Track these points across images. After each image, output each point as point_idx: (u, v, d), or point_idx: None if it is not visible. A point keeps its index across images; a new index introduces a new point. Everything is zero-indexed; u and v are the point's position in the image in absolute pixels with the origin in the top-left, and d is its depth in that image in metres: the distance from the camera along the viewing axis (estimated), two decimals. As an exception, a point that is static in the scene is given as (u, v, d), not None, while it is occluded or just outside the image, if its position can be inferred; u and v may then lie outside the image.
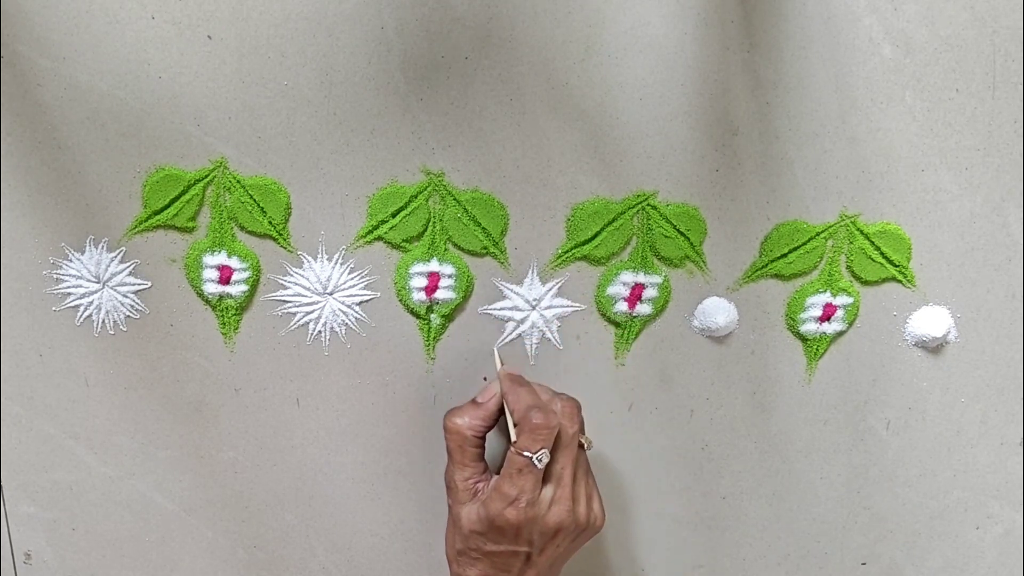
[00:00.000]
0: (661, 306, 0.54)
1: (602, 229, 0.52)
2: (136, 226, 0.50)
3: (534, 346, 0.54)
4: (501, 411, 0.51)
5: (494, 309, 0.53)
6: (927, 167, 0.52)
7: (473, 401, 0.51)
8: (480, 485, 0.50)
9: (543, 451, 0.47)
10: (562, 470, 0.49)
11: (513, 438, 0.48)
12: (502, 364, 0.53)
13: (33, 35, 0.46)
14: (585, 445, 0.51)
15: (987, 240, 0.54)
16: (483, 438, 0.51)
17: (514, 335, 0.54)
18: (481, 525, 0.48)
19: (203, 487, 0.56)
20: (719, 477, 0.58)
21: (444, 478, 0.52)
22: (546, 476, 0.48)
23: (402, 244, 0.51)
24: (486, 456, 0.52)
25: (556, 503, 0.48)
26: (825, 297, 0.54)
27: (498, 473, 0.49)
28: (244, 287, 0.51)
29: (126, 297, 0.51)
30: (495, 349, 0.54)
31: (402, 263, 0.52)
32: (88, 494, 0.56)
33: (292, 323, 0.53)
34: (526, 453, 0.47)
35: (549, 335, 0.54)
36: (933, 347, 0.56)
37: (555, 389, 0.55)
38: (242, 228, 0.50)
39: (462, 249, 0.52)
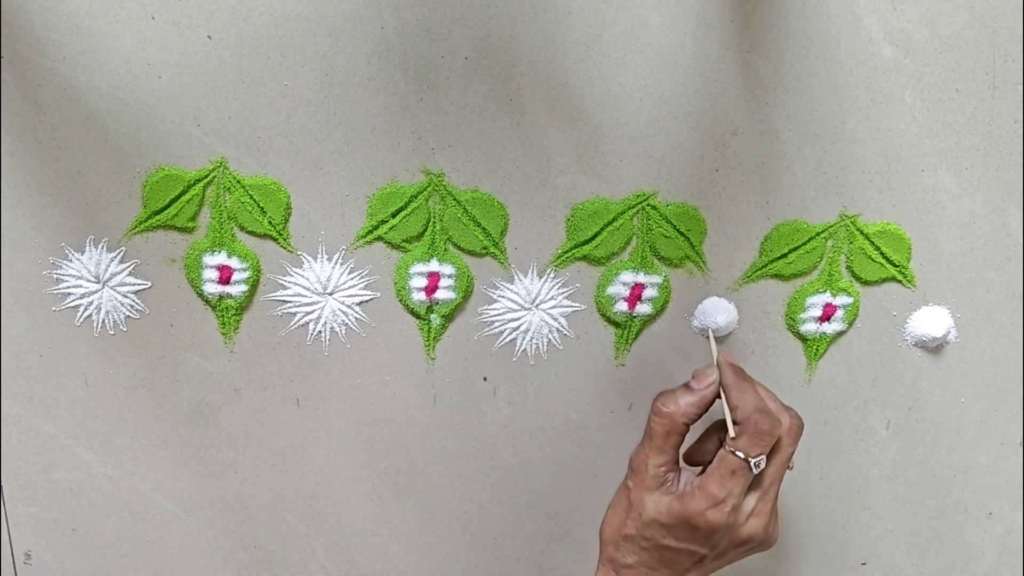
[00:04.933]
0: (661, 306, 0.54)
1: (602, 229, 0.52)
2: (136, 226, 0.50)
3: (534, 346, 0.54)
4: (715, 398, 0.48)
5: (494, 309, 0.53)
6: (927, 167, 0.52)
7: (686, 386, 0.49)
8: (670, 475, 0.48)
9: (761, 456, 0.45)
10: (771, 484, 0.47)
11: (731, 435, 0.46)
12: (720, 352, 0.50)
13: (33, 35, 0.46)
14: (790, 465, 0.49)
15: (987, 240, 0.54)
16: (689, 427, 0.48)
17: (513, 335, 0.54)
18: (671, 519, 0.46)
19: (203, 487, 0.56)
20: (719, 477, 0.58)
21: (631, 460, 0.49)
22: (753, 484, 0.47)
23: (402, 244, 0.51)
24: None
25: (756, 516, 0.47)
26: (825, 297, 0.54)
27: (685, 454, 0.48)
28: (244, 287, 0.51)
29: (126, 297, 0.51)
30: (710, 333, 0.52)
31: (402, 263, 0.52)
32: (88, 494, 0.56)
33: (292, 323, 0.53)
34: (740, 453, 0.45)
35: (549, 335, 0.54)
36: (933, 347, 0.56)
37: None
38: (242, 228, 0.50)
39: (462, 249, 0.52)
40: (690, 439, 0.50)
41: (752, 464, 0.45)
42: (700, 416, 0.49)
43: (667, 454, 0.48)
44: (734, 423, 0.47)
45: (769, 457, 0.47)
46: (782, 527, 0.60)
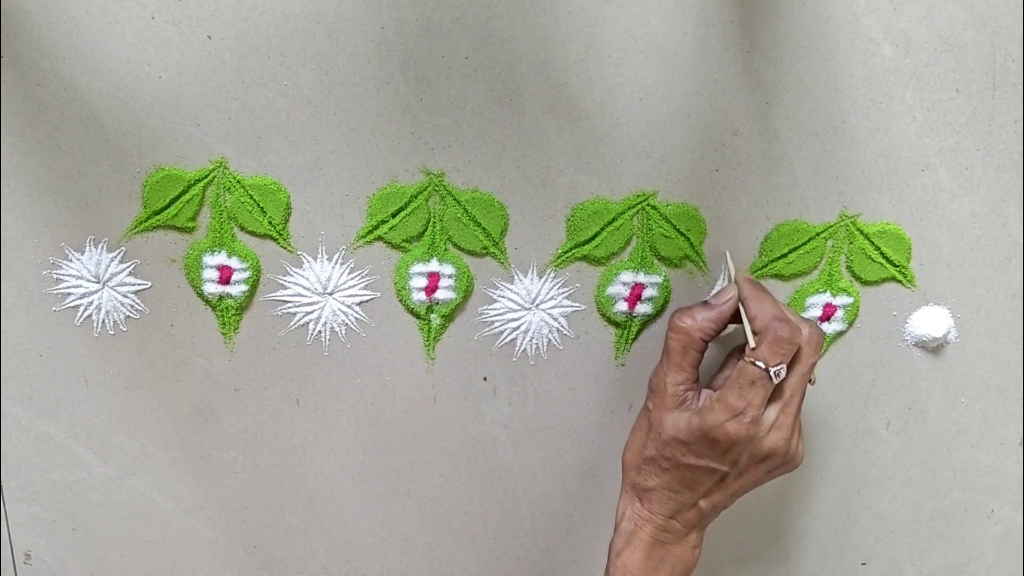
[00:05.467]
0: (661, 306, 0.54)
1: (602, 229, 0.52)
2: (136, 226, 0.50)
3: (534, 346, 0.54)
4: (733, 317, 0.48)
5: (494, 309, 0.53)
6: (927, 167, 0.52)
7: (705, 303, 0.48)
8: (689, 394, 0.48)
9: (781, 366, 0.44)
10: (791, 396, 0.46)
11: (751, 345, 0.45)
12: (736, 269, 0.50)
13: (33, 35, 0.46)
14: (812, 379, 0.48)
15: (987, 240, 0.54)
16: (707, 343, 0.48)
17: (513, 335, 0.54)
18: (690, 435, 0.46)
19: (203, 487, 0.56)
20: (719, 477, 0.58)
21: (650, 381, 0.49)
22: (773, 396, 0.45)
23: (402, 244, 0.51)
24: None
25: (777, 428, 0.45)
26: (825, 297, 0.54)
27: (708, 387, 0.48)
28: (244, 287, 0.51)
29: (126, 297, 0.51)
30: (727, 253, 0.51)
31: (402, 263, 0.52)
32: (88, 494, 0.56)
33: (292, 323, 0.53)
34: (761, 364, 0.44)
35: (549, 335, 0.54)
36: (933, 347, 0.56)
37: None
38: (242, 228, 0.50)
39: (462, 249, 0.52)
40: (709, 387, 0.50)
41: (772, 373, 0.44)
42: (718, 333, 0.48)
43: (685, 371, 0.48)
44: (754, 334, 0.46)
45: (789, 368, 0.46)
46: (783, 525, 0.60)
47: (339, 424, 0.55)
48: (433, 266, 0.51)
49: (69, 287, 0.51)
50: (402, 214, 0.51)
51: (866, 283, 0.55)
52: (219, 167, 0.49)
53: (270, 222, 0.50)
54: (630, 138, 0.50)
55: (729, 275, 0.51)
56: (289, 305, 0.52)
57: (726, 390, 0.45)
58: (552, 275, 0.53)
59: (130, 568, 0.58)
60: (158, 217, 0.50)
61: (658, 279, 0.53)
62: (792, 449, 0.47)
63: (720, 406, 0.45)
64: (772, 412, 0.46)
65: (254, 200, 0.50)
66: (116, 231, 0.50)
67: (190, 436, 0.55)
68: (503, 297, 0.53)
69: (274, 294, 0.52)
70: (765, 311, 0.46)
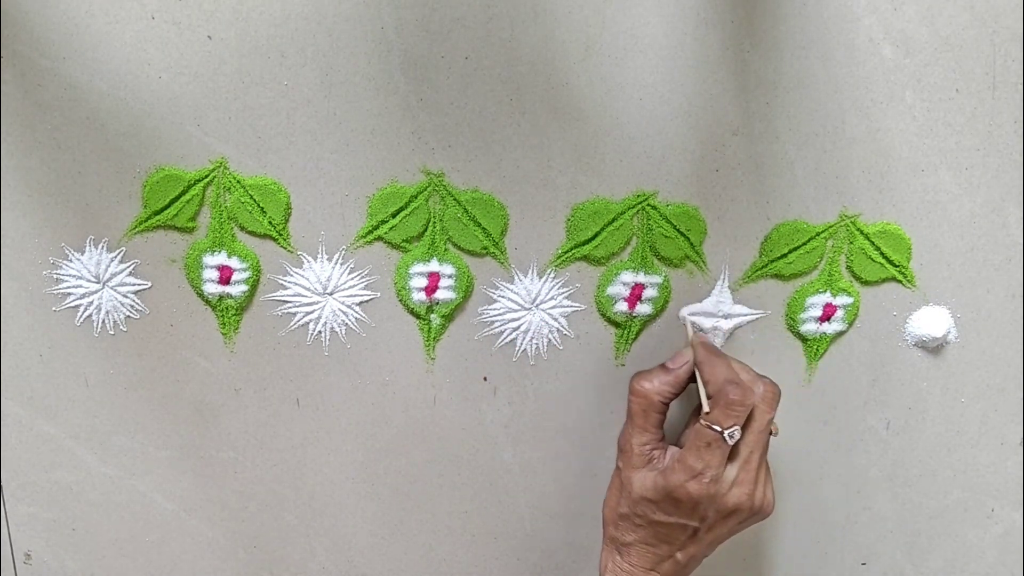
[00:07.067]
0: (661, 306, 0.54)
1: (602, 229, 0.52)
2: (136, 226, 0.50)
3: (534, 346, 0.54)
4: (691, 379, 0.50)
5: (494, 309, 0.53)
6: (927, 167, 0.52)
7: (663, 366, 0.50)
8: (656, 452, 0.49)
9: (735, 427, 0.46)
10: (750, 453, 0.47)
11: (705, 409, 0.47)
12: (694, 332, 0.52)
13: (33, 35, 0.46)
14: (773, 431, 0.49)
15: (987, 240, 0.54)
16: (667, 405, 0.50)
17: (513, 335, 0.54)
18: (656, 494, 0.48)
19: (203, 487, 0.56)
20: (719, 477, 0.58)
21: (618, 441, 0.51)
22: (732, 454, 0.47)
23: (402, 244, 0.51)
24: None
25: (738, 484, 0.47)
26: (825, 297, 0.54)
27: (674, 444, 0.49)
28: (244, 287, 0.51)
29: (126, 297, 0.51)
30: (686, 316, 0.53)
31: (402, 263, 0.52)
32: (88, 494, 0.56)
33: (292, 323, 0.53)
34: (716, 427, 0.46)
35: (549, 335, 0.54)
36: (933, 347, 0.56)
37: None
38: (242, 228, 0.50)
39: (462, 249, 0.52)
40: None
41: (726, 435, 0.46)
42: (675, 395, 0.50)
43: (649, 432, 0.50)
44: (708, 397, 0.48)
45: (745, 427, 0.47)
46: (783, 523, 0.60)
47: (339, 424, 0.55)
48: (433, 266, 0.51)
49: (69, 287, 0.51)
50: (402, 214, 0.51)
51: (866, 283, 0.55)
52: (219, 167, 0.49)
53: (270, 222, 0.50)
54: (630, 138, 0.50)
55: (687, 337, 0.52)
56: (289, 305, 0.52)
57: (685, 452, 0.47)
58: (552, 275, 0.53)
59: (130, 568, 0.58)
60: (158, 217, 0.50)
61: (658, 279, 0.53)
62: (757, 503, 0.48)
63: (680, 467, 0.47)
64: (732, 470, 0.47)
65: (254, 200, 0.50)
66: (116, 231, 0.50)
67: (190, 436, 0.55)
68: (503, 297, 0.53)
69: (274, 294, 0.52)
70: (718, 374, 0.48)
